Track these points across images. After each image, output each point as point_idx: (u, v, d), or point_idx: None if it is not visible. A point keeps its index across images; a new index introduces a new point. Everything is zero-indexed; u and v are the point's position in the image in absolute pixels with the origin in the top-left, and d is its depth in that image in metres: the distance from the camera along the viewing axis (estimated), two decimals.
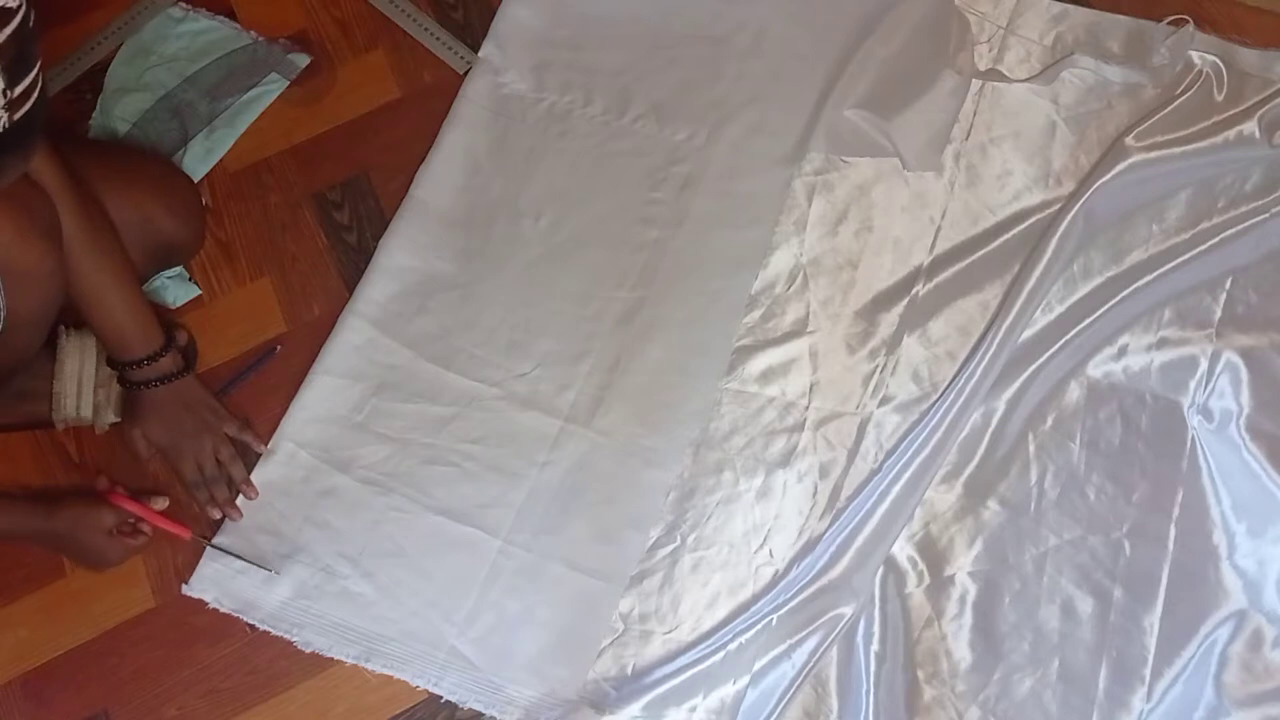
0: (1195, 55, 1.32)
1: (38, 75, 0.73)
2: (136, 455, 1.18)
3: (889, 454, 1.20)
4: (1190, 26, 1.32)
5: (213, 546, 1.16)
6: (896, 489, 1.15)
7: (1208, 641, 1.11)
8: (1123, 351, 1.22)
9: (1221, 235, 1.25)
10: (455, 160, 1.35)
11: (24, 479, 1.22)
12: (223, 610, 1.15)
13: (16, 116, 0.72)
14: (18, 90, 0.72)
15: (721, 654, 1.11)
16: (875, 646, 1.12)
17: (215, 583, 1.16)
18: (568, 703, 1.12)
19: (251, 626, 1.16)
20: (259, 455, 1.21)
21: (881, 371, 1.24)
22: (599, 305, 1.28)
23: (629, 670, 1.13)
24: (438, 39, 1.42)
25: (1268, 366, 1.20)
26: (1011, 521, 1.17)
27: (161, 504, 1.16)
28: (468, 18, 1.44)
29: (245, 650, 1.16)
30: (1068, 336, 1.22)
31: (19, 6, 0.71)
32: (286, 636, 1.15)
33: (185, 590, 1.16)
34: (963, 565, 1.15)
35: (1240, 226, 1.25)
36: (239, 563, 1.16)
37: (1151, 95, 1.32)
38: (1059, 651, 1.12)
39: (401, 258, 1.30)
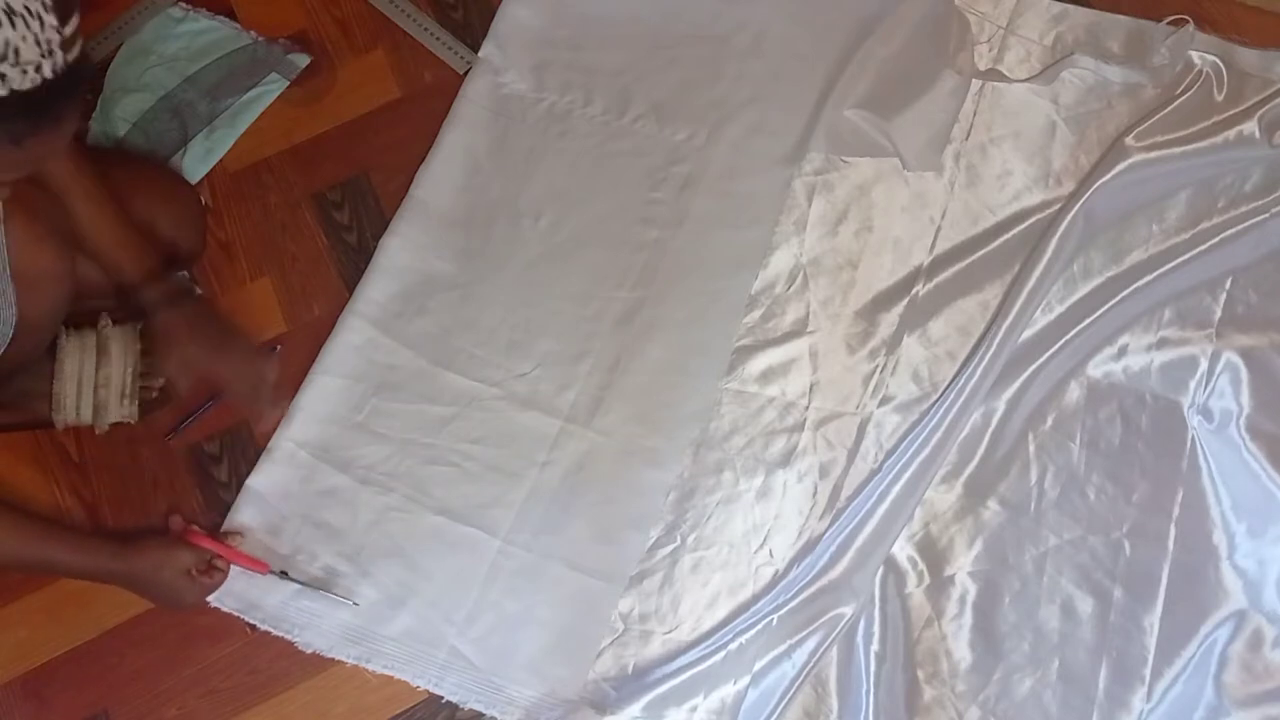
0: (1195, 55, 1.32)
1: (78, 23, 0.73)
2: (181, 391, 1.15)
3: (889, 454, 1.20)
4: (1190, 26, 1.32)
5: (293, 581, 1.15)
6: (896, 489, 1.15)
7: (1208, 641, 1.11)
8: (1123, 351, 1.22)
9: (1221, 235, 1.25)
10: (455, 160, 1.35)
11: (24, 478, 1.22)
12: (224, 610, 1.15)
13: (70, 57, 0.72)
14: (68, 30, 0.71)
15: (721, 654, 1.11)
16: (875, 646, 1.12)
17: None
18: (568, 703, 1.12)
19: (252, 626, 1.16)
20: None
21: (881, 371, 1.24)
22: (599, 305, 1.28)
23: (629, 670, 1.13)
24: (438, 39, 1.42)
25: (1268, 366, 1.20)
26: (1011, 521, 1.17)
27: (238, 540, 1.16)
28: (468, 18, 1.44)
29: (245, 650, 1.16)
30: (1068, 336, 1.22)
31: None
32: (287, 637, 1.15)
33: None
34: (963, 565, 1.15)
35: (1240, 226, 1.25)
36: (260, 528, 1.17)
37: (1151, 95, 1.32)
38: (1059, 651, 1.12)
39: (401, 258, 1.30)
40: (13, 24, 0.68)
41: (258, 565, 1.14)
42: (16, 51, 0.68)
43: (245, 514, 1.19)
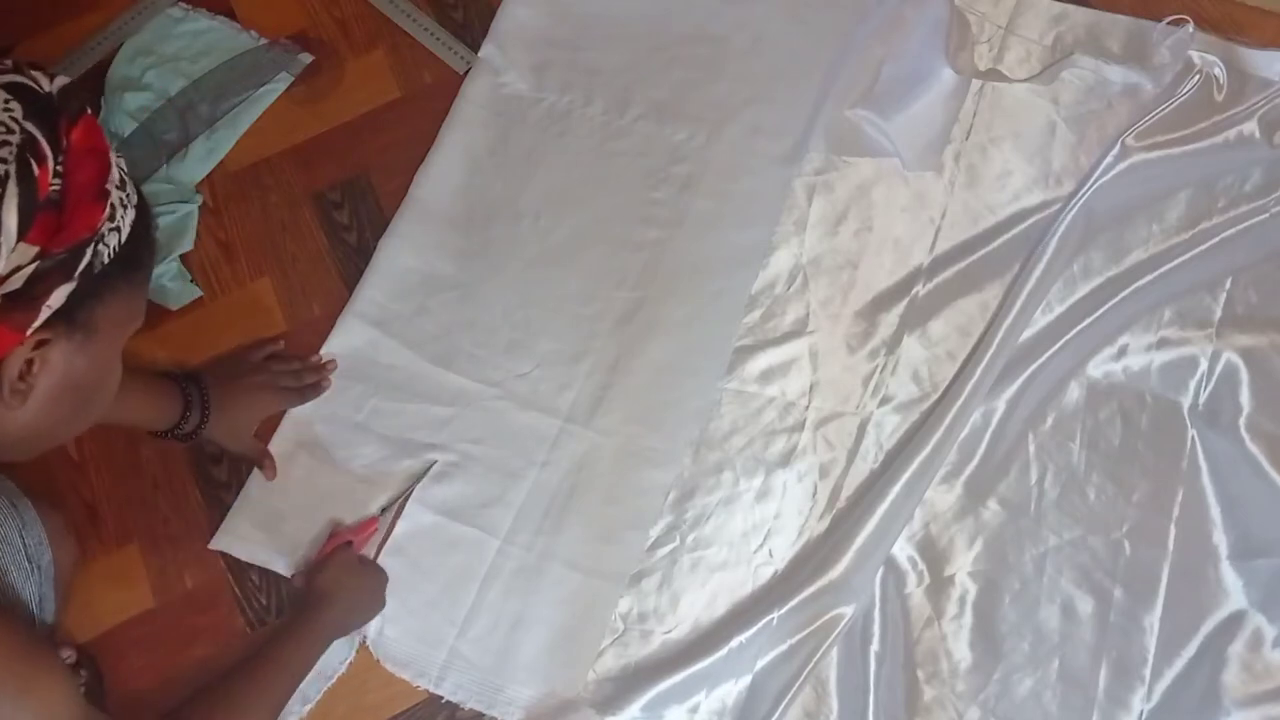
0: (1195, 55, 1.32)
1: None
2: (237, 451, 1.19)
3: (889, 454, 1.20)
4: (1190, 26, 1.32)
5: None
6: (896, 489, 1.15)
7: (1207, 641, 1.11)
8: (1123, 351, 1.22)
9: (1221, 235, 1.25)
10: (455, 160, 1.35)
11: (23, 477, 1.22)
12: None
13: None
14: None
15: (722, 653, 1.11)
16: (875, 646, 1.12)
17: (238, 536, 1.19)
18: (568, 703, 1.12)
19: (251, 626, 1.16)
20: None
21: (881, 371, 1.24)
22: (599, 305, 1.28)
23: (629, 670, 1.13)
24: (438, 39, 1.42)
25: (1268, 366, 1.20)
26: (1011, 521, 1.17)
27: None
28: (468, 18, 1.44)
29: (245, 650, 1.16)
30: (1068, 336, 1.22)
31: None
32: None
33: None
34: (963, 565, 1.15)
35: (1240, 226, 1.25)
36: (259, 527, 1.18)
37: (1151, 95, 1.32)
38: (1059, 651, 1.12)
39: (401, 258, 1.30)
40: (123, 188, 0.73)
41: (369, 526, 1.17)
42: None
43: (245, 514, 1.19)
